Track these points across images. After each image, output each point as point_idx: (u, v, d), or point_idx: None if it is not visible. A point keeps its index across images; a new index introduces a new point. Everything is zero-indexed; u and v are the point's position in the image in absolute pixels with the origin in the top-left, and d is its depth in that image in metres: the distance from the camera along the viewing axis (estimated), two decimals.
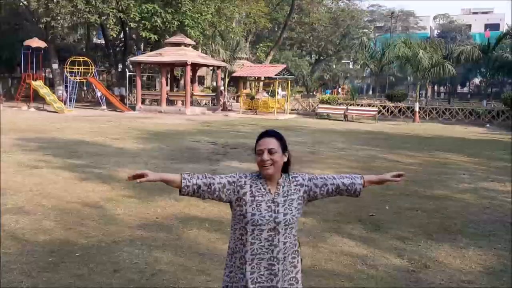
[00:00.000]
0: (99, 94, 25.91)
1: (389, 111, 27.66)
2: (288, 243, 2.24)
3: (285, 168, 2.31)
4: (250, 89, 31.25)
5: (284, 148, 2.27)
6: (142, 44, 31.54)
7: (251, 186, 2.24)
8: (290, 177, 2.30)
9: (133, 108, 25.30)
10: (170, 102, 25.95)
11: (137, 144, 11.97)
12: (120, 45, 33.60)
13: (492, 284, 4.17)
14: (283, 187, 2.26)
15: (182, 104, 25.43)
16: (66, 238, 4.84)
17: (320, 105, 26.91)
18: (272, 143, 2.22)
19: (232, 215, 2.31)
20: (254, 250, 2.20)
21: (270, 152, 2.19)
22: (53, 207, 5.92)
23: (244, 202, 2.21)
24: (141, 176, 2.15)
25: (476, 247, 5.09)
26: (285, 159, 2.28)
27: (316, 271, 4.29)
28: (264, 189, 2.24)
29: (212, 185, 2.22)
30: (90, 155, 9.87)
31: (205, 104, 29.80)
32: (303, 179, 2.32)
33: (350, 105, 26.74)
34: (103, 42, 33.37)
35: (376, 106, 27.05)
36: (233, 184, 2.24)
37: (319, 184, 2.34)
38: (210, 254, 4.52)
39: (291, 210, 2.23)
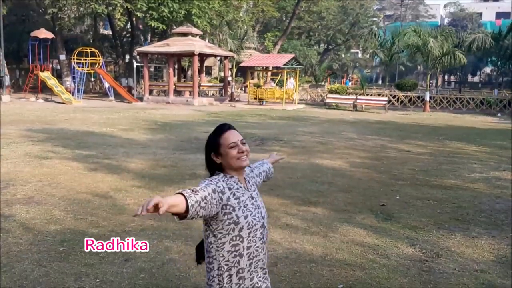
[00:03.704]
0: (106, 85, 25.93)
1: (399, 100, 27.40)
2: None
3: None
4: (258, 79, 31.12)
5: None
6: (149, 34, 31.50)
7: (230, 189, 2.01)
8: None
9: (140, 99, 25.32)
10: (177, 93, 25.91)
11: (145, 135, 11.98)
12: (127, 35, 33.57)
13: (505, 273, 4.12)
14: (248, 181, 2.15)
15: (190, 95, 25.38)
16: (76, 227, 4.85)
17: (329, 95, 26.73)
18: (239, 134, 2.09)
19: (213, 230, 1.99)
20: (251, 254, 2.01)
21: (243, 143, 2.07)
22: (63, 197, 5.94)
23: (231, 208, 1.97)
24: (156, 207, 1.67)
25: (489, 237, 5.03)
26: None
27: (327, 260, 4.26)
28: (240, 187, 2.06)
29: (206, 197, 1.88)
30: (98, 146, 9.88)
31: (213, 94, 29.73)
32: (249, 172, 2.29)
33: (360, 94, 26.53)
34: (110, 32, 33.32)
35: (386, 96, 26.80)
36: (215, 192, 1.94)
37: (257, 173, 2.36)
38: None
39: (263, 202, 2.16)
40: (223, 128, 2.09)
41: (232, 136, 2.05)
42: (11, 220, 4.99)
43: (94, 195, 6.06)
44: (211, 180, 2.00)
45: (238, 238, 1.98)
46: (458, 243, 4.81)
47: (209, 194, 1.90)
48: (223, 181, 2.03)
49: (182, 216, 1.83)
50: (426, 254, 4.49)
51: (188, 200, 1.80)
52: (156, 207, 1.67)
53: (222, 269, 2.00)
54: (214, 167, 2.09)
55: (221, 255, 2.01)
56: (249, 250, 2.01)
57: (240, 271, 2.01)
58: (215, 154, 2.06)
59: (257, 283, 2.04)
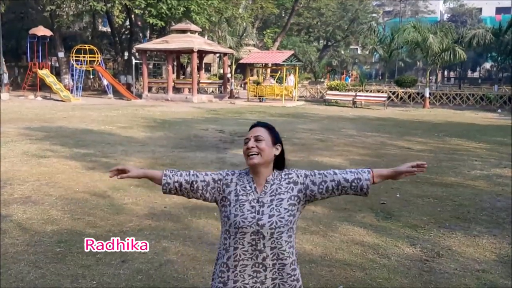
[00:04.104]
0: (105, 82, 25.84)
1: (399, 97, 27.33)
2: (278, 250, 1.95)
3: (279, 165, 2.08)
4: (258, 76, 31.01)
5: (276, 140, 2.05)
6: (148, 31, 31.35)
7: (236, 184, 2.03)
8: (282, 174, 2.05)
9: (139, 96, 25.23)
10: (176, 90, 25.83)
11: (144, 133, 11.92)
12: (126, 32, 33.41)
13: (506, 273, 4.07)
14: (271, 185, 2.00)
15: (189, 92, 25.30)
16: (73, 228, 4.80)
17: (328, 92, 26.65)
18: (260, 131, 2.03)
19: (220, 216, 2.11)
20: (237, 256, 1.96)
21: (257, 139, 2.00)
22: (60, 196, 5.89)
23: (228, 202, 2.01)
24: (123, 171, 2.08)
25: (490, 235, 4.99)
26: (277, 152, 2.04)
27: (326, 260, 4.21)
28: (250, 187, 2.01)
29: (194, 183, 2.06)
30: (97, 144, 9.83)
31: (212, 91, 29.64)
32: (298, 176, 2.04)
33: (359, 91, 26.46)
34: (109, 30, 33.18)
35: (385, 92, 26.72)
36: (218, 182, 2.06)
37: (317, 182, 2.02)
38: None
39: (280, 212, 1.95)
40: (252, 125, 2.11)
41: (252, 132, 2.04)
42: (8, 221, 4.94)
43: (92, 195, 6.01)
44: (222, 172, 2.10)
45: (227, 232, 2.00)
46: (459, 242, 4.76)
47: (203, 181, 2.05)
48: (237, 176, 2.06)
49: (163, 189, 2.10)
50: (427, 253, 4.44)
51: (163, 178, 2.08)
52: (125, 172, 2.07)
53: (217, 256, 2.09)
54: None
55: (219, 242, 2.10)
56: (235, 251, 1.96)
57: (223, 265, 2.00)
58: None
59: (255, 282, 1.96)
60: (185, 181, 2.06)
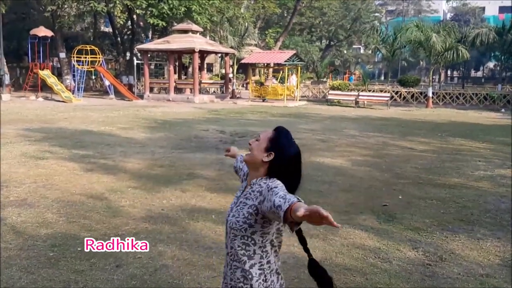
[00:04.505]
0: (107, 83, 25.76)
1: (402, 96, 27.16)
2: (235, 252, 1.91)
3: (271, 173, 1.93)
4: (259, 76, 30.90)
5: (270, 147, 1.92)
6: (150, 31, 31.30)
7: (242, 181, 2.18)
8: (262, 182, 1.91)
9: (141, 96, 25.16)
10: (178, 90, 25.74)
11: (144, 134, 11.83)
12: (128, 33, 33.36)
13: (511, 277, 3.95)
14: (250, 188, 1.95)
15: (191, 92, 25.22)
16: (68, 231, 4.71)
17: (330, 92, 26.51)
18: (264, 132, 1.99)
19: None
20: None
21: (256, 139, 2.00)
22: (56, 199, 5.80)
23: None
24: (228, 150, 2.62)
25: (494, 238, 4.87)
26: (265, 159, 1.91)
27: (326, 265, 4.07)
28: (243, 186, 2.07)
29: (240, 170, 2.35)
30: (96, 145, 9.74)
31: (214, 92, 29.55)
32: (267, 187, 1.83)
33: (362, 91, 26.31)
34: (111, 30, 33.15)
35: (388, 92, 26.53)
36: (244, 174, 2.26)
37: (268, 197, 1.76)
38: (216, 248, 4.36)
39: (239, 215, 1.91)
40: None
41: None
42: (2, 224, 4.85)
43: (89, 197, 5.92)
44: None
45: None
46: (463, 246, 4.65)
47: (242, 170, 2.31)
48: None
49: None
50: (429, 257, 4.33)
51: (235, 161, 2.47)
52: (229, 151, 2.63)
53: None
54: None
55: None
56: None
57: None
58: None
59: (226, 273, 2.01)
60: (238, 167, 2.39)
